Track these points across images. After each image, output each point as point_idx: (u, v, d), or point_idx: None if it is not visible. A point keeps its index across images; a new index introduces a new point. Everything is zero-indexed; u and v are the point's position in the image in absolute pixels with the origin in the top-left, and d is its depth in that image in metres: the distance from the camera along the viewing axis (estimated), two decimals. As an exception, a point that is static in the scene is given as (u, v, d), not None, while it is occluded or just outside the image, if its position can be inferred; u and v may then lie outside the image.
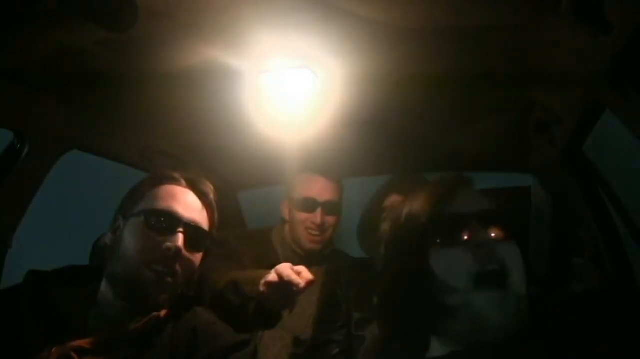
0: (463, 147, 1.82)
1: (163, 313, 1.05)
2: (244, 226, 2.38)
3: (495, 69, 1.27)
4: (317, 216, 1.68)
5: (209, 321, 1.08)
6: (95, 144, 1.64)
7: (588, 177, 1.62)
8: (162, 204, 1.07)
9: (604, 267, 1.62)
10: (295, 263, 1.72)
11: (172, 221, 1.05)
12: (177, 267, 1.04)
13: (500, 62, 1.25)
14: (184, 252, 1.04)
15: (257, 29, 1.13)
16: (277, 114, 1.55)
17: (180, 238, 1.03)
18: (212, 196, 1.14)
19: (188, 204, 1.09)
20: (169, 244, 1.02)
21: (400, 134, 1.72)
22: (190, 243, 1.05)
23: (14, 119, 1.36)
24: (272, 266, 1.63)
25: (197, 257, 1.09)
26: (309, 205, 1.69)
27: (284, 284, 1.12)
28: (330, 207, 1.71)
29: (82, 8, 0.96)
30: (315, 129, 1.59)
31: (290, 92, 1.43)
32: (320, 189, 1.70)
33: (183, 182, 1.12)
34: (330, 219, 1.71)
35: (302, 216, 1.70)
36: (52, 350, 0.94)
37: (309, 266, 1.71)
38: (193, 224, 1.07)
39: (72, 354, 0.94)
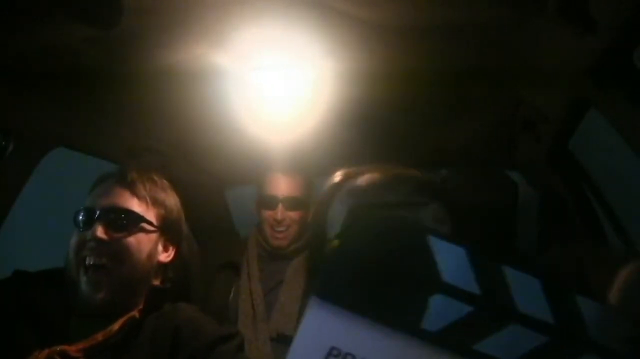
0: (450, 145, 1.83)
1: (137, 311, 1.03)
2: (230, 222, 2.38)
3: (483, 66, 1.28)
4: (278, 212, 1.74)
5: (192, 317, 1.06)
6: (81, 141, 1.62)
7: (573, 174, 1.64)
8: (86, 203, 1.07)
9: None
10: (264, 260, 1.80)
11: (90, 214, 1.04)
12: (109, 254, 1.01)
13: (487, 60, 1.26)
14: (109, 236, 1.02)
15: (245, 27, 1.13)
16: (265, 112, 1.55)
17: (97, 227, 1.01)
18: (139, 180, 1.09)
19: (107, 193, 1.07)
20: (89, 236, 1.01)
21: (388, 131, 1.73)
22: (113, 226, 1.03)
23: None
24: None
25: (131, 237, 1.05)
26: (271, 202, 1.77)
27: None
28: (291, 203, 1.76)
29: (68, 5, 0.95)
30: (303, 126, 1.59)
31: (279, 89, 1.43)
32: (281, 185, 1.77)
33: (115, 177, 1.10)
34: (293, 215, 1.76)
35: (265, 213, 1.78)
36: (37, 354, 0.93)
37: (282, 261, 1.75)
38: (110, 208, 1.04)
39: (57, 357, 0.93)
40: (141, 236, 1.06)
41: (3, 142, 1.40)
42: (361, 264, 0.53)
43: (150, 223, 1.08)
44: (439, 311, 0.51)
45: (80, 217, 1.05)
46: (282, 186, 1.77)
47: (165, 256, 1.12)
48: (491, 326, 0.51)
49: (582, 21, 1.00)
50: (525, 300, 0.51)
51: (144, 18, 1.07)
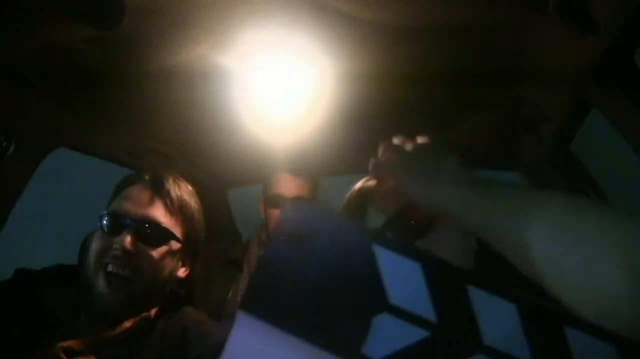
0: (451, 145, 1.82)
1: (153, 312, 1.04)
2: (232, 223, 2.38)
3: (484, 67, 1.28)
4: None
5: (198, 320, 1.07)
6: (83, 141, 1.62)
7: (575, 175, 1.64)
8: (115, 206, 1.04)
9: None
10: None
11: (120, 220, 1.02)
12: (132, 265, 1.00)
13: (488, 60, 1.26)
14: (137, 249, 1.00)
15: (246, 27, 1.13)
16: (266, 112, 1.55)
17: (127, 236, 0.99)
18: (174, 192, 1.08)
19: (141, 202, 1.04)
20: (116, 244, 1.00)
21: (388, 132, 1.72)
22: (142, 239, 1.02)
23: (0, 116, 1.34)
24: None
25: (158, 252, 1.04)
26: (279, 201, 1.79)
27: None
28: None
29: (69, 5, 0.95)
30: (305, 126, 1.59)
31: (279, 90, 1.43)
32: (292, 185, 1.80)
33: (145, 181, 1.08)
34: None
35: (274, 212, 1.81)
36: (40, 351, 0.92)
37: None
38: (143, 219, 1.03)
39: (61, 354, 0.92)
40: (167, 252, 1.05)
41: (4, 143, 1.40)
42: (294, 273, 0.44)
43: (177, 239, 1.07)
44: (385, 334, 0.42)
45: (106, 222, 1.02)
46: (293, 186, 1.80)
47: (182, 271, 1.12)
48: (450, 357, 0.41)
49: (582, 21, 1.00)
50: (495, 329, 0.41)
51: (146, 18, 1.07)
